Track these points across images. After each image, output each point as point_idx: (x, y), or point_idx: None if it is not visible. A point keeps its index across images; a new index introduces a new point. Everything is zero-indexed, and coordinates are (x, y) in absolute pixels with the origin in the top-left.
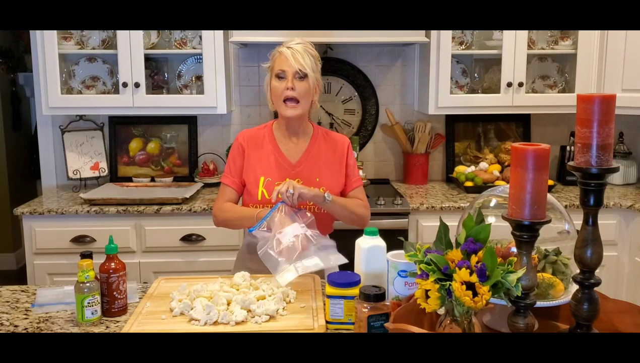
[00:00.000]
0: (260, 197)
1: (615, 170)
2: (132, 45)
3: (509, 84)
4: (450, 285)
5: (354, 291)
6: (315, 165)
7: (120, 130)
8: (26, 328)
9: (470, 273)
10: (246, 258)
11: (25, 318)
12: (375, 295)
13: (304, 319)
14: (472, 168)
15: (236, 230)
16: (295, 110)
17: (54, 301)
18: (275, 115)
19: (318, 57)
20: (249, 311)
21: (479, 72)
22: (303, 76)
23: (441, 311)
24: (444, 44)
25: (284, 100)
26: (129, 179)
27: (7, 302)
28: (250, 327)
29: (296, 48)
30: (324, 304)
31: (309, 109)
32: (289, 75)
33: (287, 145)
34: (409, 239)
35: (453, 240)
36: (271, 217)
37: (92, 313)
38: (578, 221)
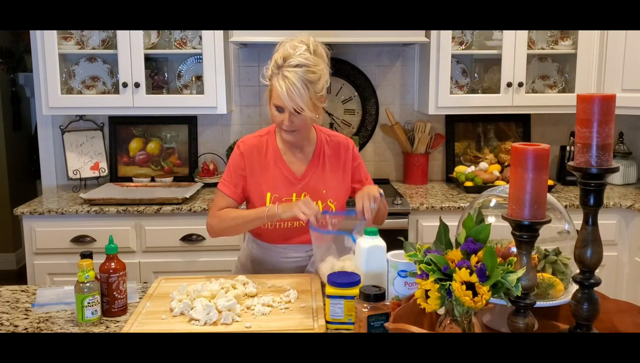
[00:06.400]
0: None
1: (615, 170)
2: (132, 45)
3: (509, 84)
4: (450, 285)
5: (354, 291)
6: (321, 176)
7: (120, 130)
8: (26, 328)
9: (470, 273)
10: (247, 261)
11: (25, 318)
12: (375, 295)
13: (304, 319)
14: (472, 168)
15: None
16: (294, 137)
17: (54, 301)
18: None
19: (325, 59)
20: (248, 308)
21: (479, 72)
22: (300, 111)
23: (441, 311)
24: (444, 44)
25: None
26: (129, 179)
27: (7, 302)
28: (249, 327)
29: (293, 80)
30: (324, 304)
31: (312, 124)
32: (286, 110)
33: (291, 157)
34: (409, 239)
35: (453, 240)
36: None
37: (92, 313)
38: (578, 221)
